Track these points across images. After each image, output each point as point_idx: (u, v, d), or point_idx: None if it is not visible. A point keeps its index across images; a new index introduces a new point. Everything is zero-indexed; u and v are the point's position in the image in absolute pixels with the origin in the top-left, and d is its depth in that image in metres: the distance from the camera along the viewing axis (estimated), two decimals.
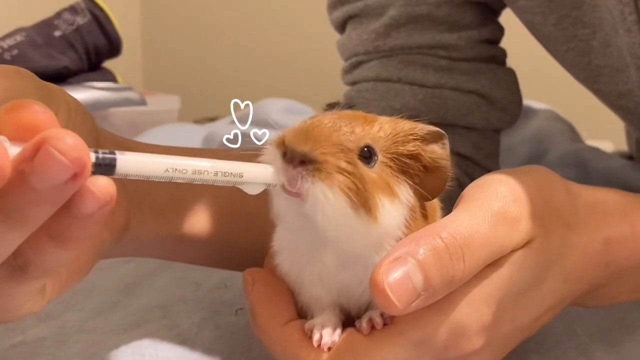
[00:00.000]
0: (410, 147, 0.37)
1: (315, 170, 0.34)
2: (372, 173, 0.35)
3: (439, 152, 0.37)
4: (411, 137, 0.37)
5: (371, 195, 0.35)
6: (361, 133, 0.36)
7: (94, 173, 0.28)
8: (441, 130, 0.37)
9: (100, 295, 0.54)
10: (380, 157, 0.36)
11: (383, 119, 0.38)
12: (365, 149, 0.35)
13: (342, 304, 0.38)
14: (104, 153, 0.28)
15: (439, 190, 0.38)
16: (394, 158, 0.36)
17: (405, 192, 0.36)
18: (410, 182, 0.37)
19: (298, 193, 0.34)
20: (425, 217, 0.38)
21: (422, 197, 0.37)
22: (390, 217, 0.35)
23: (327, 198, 0.34)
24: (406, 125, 0.37)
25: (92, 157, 0.28)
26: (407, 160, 0.37)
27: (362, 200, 0.34)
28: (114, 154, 0.29)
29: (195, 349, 0.46)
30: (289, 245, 0.38)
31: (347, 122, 0.36)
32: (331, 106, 0.39)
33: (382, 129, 0.37)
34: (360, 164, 0.35)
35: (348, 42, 0.67)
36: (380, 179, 0.35)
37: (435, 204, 0.39)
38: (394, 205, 0.36)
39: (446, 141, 0.37)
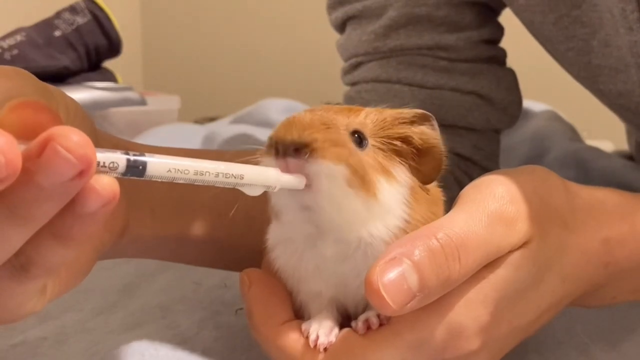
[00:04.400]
0: (399, 130, 0.37)
1: (311, 151, 0.34)
2: (365, 156, 0.35)
3: (429, 132, 0.38)
4: (398, 120, 0.37)
5: (368, 174, 0.35)
6: (347, 120, 0.36)
7: (123, 175, 0.28)
8: (427, 112, 0.38)
9: (100, 295, 0.54)
10: (370, 141, 0.36)
11: (368, 109, 0.38)
12: (356, 135, 0.36)
13: (339, 299, 0.38)
14: (134, 155, 0.29)
15: (437, 171, 0.38)
16: (385, 141, 0.37)
17: (401, 173, 0.37)
18: (405, 164, 0.37)
19: (307, 185, 0.34)
20: (428, 200, 0.38)
21: (421, 180, 0.38)
22: (390, 196, 0.36)
23: (331, 173, 0.34)
24: (392, 111, 0.38)
25: (124, 159, 0.28)
26: (398, 143, 0.37)
27: (360, 176, 0.34)
28: (144, 155, 0.29)
29: (195, 349, 0.46)
30: (285, 239, 0.38)
31: (330, 110, 0.36)
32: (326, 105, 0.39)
33: (369, 117, 0.37)
34: (352, 144, 0.35)
35: (347, 43, 0.67)
36: (374, 161, 0.36)
37: (436, 190, 0.39)
38: (392, 186, 0.36)
39: (434, 122, 0.38)
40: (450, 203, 0.39)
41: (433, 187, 0.39)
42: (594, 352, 0.46)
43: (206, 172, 0.31)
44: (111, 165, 0.28)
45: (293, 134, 0.34)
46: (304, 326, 0.37)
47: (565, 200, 0.40)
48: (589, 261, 0.41)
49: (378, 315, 0.36)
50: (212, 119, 1.37)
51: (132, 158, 0.28)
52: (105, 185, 0.27)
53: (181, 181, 0.31)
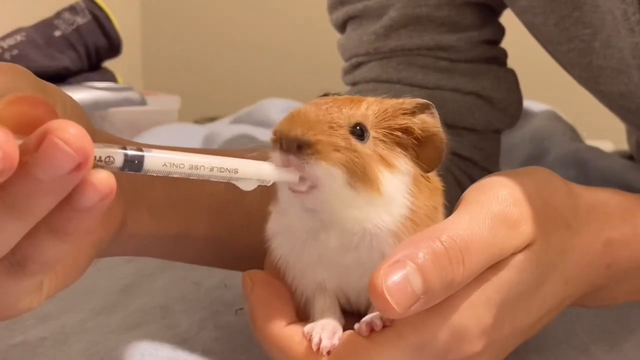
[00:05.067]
0: (400, 121, 0.38)
1: (314, 152, 0.34)
2: (366, 149, 0.36)
3: (429, 120, 0.38)
4: (399, 111, 0.38)
5: (370, 168, 0.35)
6: (349, 112, 0.36)
7: (121, 169, 0.28)
8: (428, 101, 0.38)
9: (100, 295, 0.54)
10: (372, 133, 0.37)
11: (370, 99, 0.38)
12: (358, 128, 0.36)
13: (342, 288, 0.38)
14: (132, 149, 0.29)
15: (438, 159, 0.38)
16: (386, 133, 0.37)
17: (403, 163, 0.37)
18: (406, 153, 0.37)
19: (309, 187, 0.35)
20: (430, 188, 0.38)
21: (423, 169, 0.38)
22: (393, 187, 0.36)
23: (332, 177, 0.34)
24: (393, 101, 0.38)
25: (121, 153, 0.28)
26: (399, 134, 0.37)
27: (362, 174, 0.35)
28: (141, 150, 0.29)
29: (195, 349, 0.46)
30: (286, 228, 0.38)
31: (333, 104, 0.37)
32: (324, 96, 0.39)
33: (370, 108, 0.37)
34: (353, 140, 0.36)
35: (348, 42, 0.67)
36: (376, 153, 0.36)
37: (435, 179, 0.40)
38: (395, 175, 0.36)
39: (434, 110, 0.38)
40: (452, 204, 0.39)
41: (432, 175, 0.39)
42: (594, 352, 0.46)
43: (201, 166, 0.31)
44: (107, 159, 0.28)
45: (297, 130, 0.35)
46: (306, 329, 0.37)
47: (568, 201, 0.40)
48: (591, 262, 0.41)
49: (381, 317, 0.36)
50: (212, 119, 1.37)
51: (129, 152, 0.29)
52: (102, 179, 0.27)
53: (176, 175, 0.31)
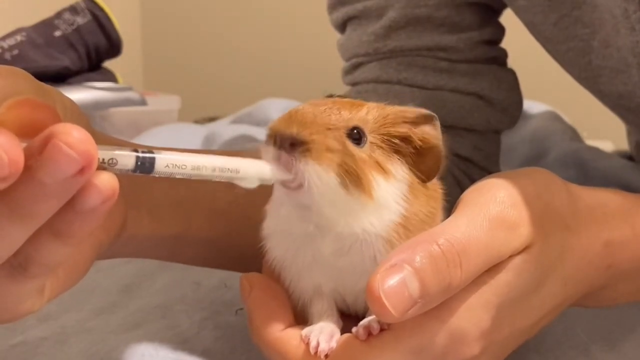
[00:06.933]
0: (400, 129, 0.37)
1: (305, 151, 0.34)
2: (362, 153, 0.36)
3: (431, 132, 0.38)
4: (401, 119, 0.37)
5: (363, 173, 0.35)
6: (348, 115, 0.36)
7: (133, 172, 0.28)
8: (431, 112, 0.38)
9: (100, 295, 0.54)
10: (370, 138, 0.36)
11: (371, 104, 0.38)
12: (355, 131, 0.36)
13: (339, 291, 0.38)
14: (143, 152, 0.29)
15: (435, 171, 0.38)
16: (385, 139, 0.37)
17: (399, 170, 0.37)
18: (403, 161, 0.37)
19: (298, 185, 0.34)
20: (427, 195, 0.38)
21: (420, 179, 0.38)
22: (386, 194, 0.36)
23: (321, 177, 0.34)
24: (395, 108, 0.38)
25: (133, 156, 0.28)
26: (398, 142, 0.37)
27: (354, 177, 0.35)
28: (152, 152, 0.29)
29: (195, 349, 0.46)
30: (282, 229, 0.38)
31: (332, 106, 0.36)
32: (329, 98, 0.39)
33: (370, 113, 0.37)
34: (349, 143, 0.35)
35: (348, 43, 0.67)
36: (371, 158, 0.36)
37: (435, 185, 0.39)
38: (389, 182, 0.36)
39: (437, 122, 0.38)
40: (451, 205, 0.39)
41: (432, 182, 0.39)
42: (593, 352, 0.46)
43: (203, 166, 0.32)
44: (110, 161, 0.28)
45: (292, 128, 0.35)
46: (304, 332, 0.37)
47: (567, 202, 0.40)
48: (591, 263, 0.41)
49: (378, 321, 0.35)
50: (212, 119, 1.37)
51: (141, 154, 0.29)
52: (105, 181, 0.27)
53: (179, 176, 0.31)
